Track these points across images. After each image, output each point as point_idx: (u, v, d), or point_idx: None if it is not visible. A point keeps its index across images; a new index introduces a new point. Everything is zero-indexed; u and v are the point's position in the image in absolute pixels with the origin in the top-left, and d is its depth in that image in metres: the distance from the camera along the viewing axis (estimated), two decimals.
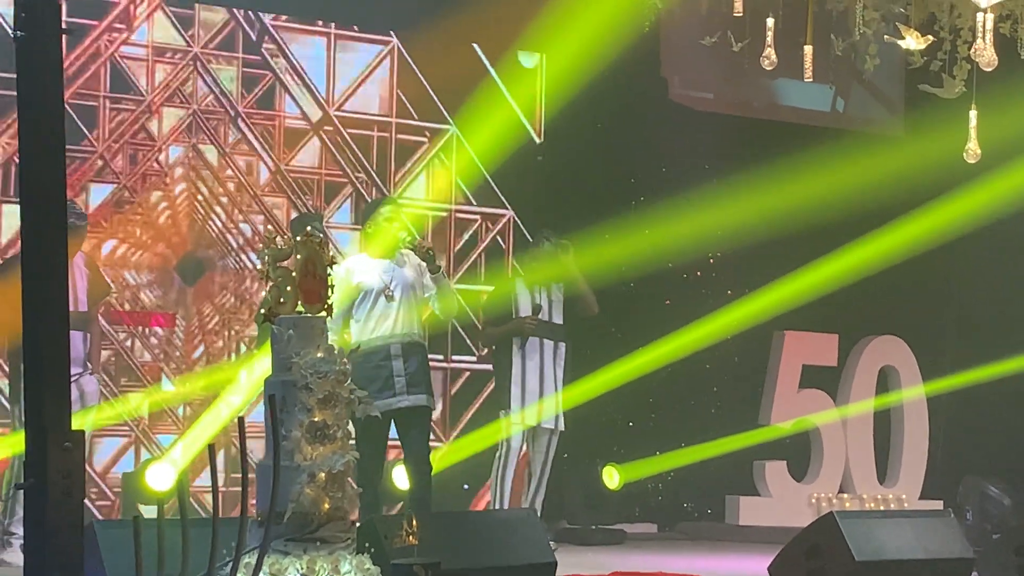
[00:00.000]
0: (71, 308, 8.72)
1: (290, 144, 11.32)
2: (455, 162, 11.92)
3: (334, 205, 11.50)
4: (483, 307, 10.70)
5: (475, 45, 11.94)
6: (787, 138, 12.80)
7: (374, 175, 11.60)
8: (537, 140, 12.24)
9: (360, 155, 11.56)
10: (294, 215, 10.99)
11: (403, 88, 11.77)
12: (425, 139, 11.84)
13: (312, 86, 11.39)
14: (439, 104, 11.85)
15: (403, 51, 11.74)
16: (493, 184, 12.05)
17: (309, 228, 6.48)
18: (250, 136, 11.14)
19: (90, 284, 9.35)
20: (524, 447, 10.23)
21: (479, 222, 12.10)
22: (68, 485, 3.66)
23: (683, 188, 12.10)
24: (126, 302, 10.64)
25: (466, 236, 12.06)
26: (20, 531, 8.83)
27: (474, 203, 12.04)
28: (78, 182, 10.32)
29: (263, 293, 9.68)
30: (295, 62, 11.32)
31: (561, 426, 10.22)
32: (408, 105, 11.78)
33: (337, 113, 11.49)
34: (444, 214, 11.91)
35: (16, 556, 8.84)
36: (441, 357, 11.67)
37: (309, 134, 11.40)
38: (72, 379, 8.82)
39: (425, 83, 11.81)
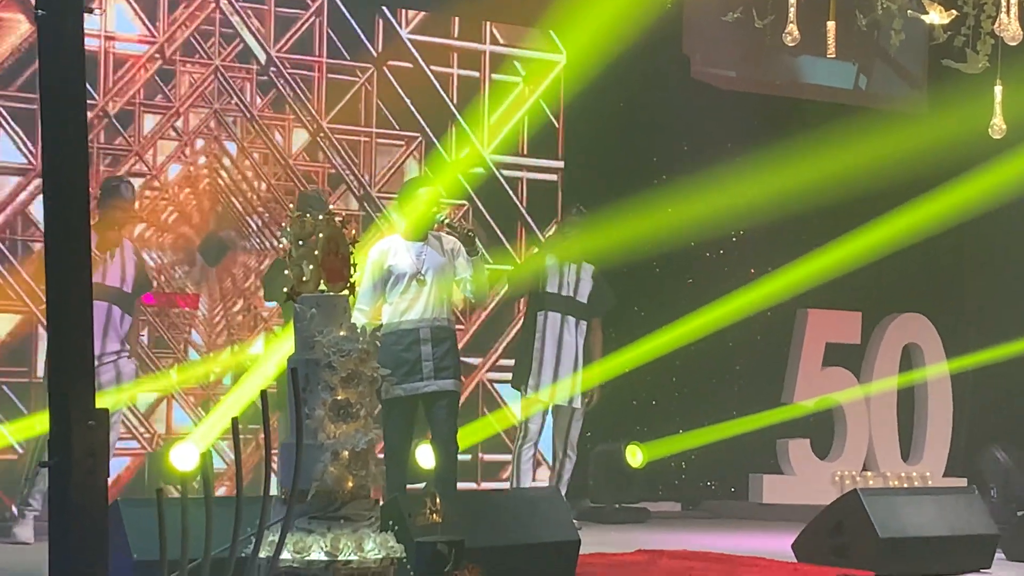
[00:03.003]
0: (117, 286, 8.93)
1: (332, 101, 10.96)
2: (473, 146, 11.80)
3: (385, 168, 11.24)
4: (508, 277, 11.01)
5: (491, 25, 11.87)
6: (809, 116, 12.76)
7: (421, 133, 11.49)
8: (556, 124, 12.15)
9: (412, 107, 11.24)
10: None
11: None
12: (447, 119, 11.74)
13: (356, 30, 10.85)
14: (455, 88, 11.77)
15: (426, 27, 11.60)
16: (515, 164, 12.00)
17: (331, 207, 6.46)
18: (285, 91, 10.66)
19: (136, 272, 9.36)
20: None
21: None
22: (92, 464, 3.66)
23: (705, 166, 12.05)
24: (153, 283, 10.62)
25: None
26: (37, 504, 8.86)
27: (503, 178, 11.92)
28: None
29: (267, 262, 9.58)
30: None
31: (577, 404, 10.25)
32: (432, 78, 11.64)
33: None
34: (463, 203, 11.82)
35: (28, 531, 8.89)
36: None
37: (356, 86, 11.13)
38: (111, 359, 9.00)
39: (448, 63, 11.73)
